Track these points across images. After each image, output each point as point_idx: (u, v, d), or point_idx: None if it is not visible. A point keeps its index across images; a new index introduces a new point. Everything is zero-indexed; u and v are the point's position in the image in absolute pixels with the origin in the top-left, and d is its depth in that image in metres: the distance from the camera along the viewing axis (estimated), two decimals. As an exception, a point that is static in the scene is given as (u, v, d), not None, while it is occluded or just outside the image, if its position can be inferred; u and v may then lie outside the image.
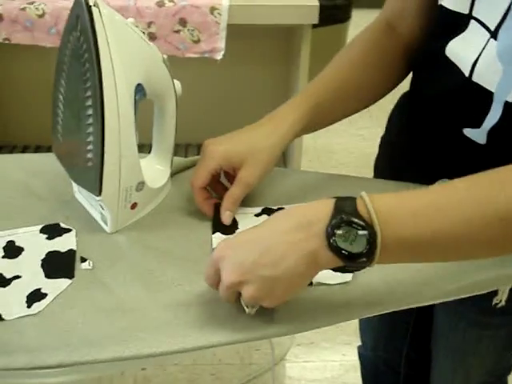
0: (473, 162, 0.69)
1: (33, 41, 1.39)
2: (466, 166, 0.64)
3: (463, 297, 0.74)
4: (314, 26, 2.51)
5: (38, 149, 2.02)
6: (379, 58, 0.89)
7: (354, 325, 1.83)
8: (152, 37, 1.39)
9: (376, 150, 1.04)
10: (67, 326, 0.66)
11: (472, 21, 0.74)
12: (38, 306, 0.69)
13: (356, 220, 0.57)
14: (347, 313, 0.71)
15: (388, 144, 1.01)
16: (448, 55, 0.78)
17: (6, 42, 1.38)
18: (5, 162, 0.97)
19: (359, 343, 1.33)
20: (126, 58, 0.73)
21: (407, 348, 1.19)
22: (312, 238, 0.58)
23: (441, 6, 0.78)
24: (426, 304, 0.74)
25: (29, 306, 0.69)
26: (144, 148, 0.85)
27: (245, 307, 0.65)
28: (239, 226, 0.82)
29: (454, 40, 0.77)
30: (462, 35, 0.76)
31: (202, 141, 0.83)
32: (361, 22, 0.99)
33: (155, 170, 0.87)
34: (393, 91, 0.92)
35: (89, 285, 0.73)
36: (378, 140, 1.03)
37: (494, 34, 0.70)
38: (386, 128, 1.01)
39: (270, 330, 0.68)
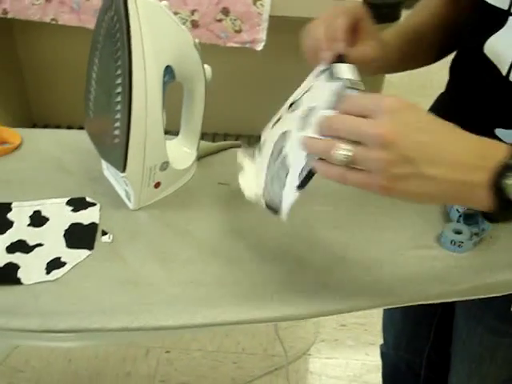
0: None
1: (79, 22, 1.43)
2: None
3: (477, 297, 0.74)
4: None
5: (68, 129, 2.08)
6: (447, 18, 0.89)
7: (379, 325, 1.82)
8: (194, 24, 1.41)
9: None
10: (81, 294, 0.69)
11: (510, 17, 0.73)
12: (56, 274, 0.72)
13: None
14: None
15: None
16: (486, 53, 0.76)
17: (53, 22, 1.42)
18: (40, 136, 1.00)
19: (381, 343, 1.32)
20: (157, 40, 0.75)
21: (429, 350, 1.18)
22: (482, 170, 0.55)
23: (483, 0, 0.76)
24: (436, 301, 0.73)
25: (48, 273, 0.72)
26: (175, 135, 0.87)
27: (341, 153, 0.55)
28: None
29: (492, 37, 0.75)
30: (500, 32, 0.74)
31: (232, 131, 0.84)
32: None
33: (181, 151, 0.89)
34: (430, 92, 0.91)
35: (106, 257, 0.75)
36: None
37: None
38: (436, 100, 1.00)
39: (273, 312, 0.68)
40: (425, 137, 0.55)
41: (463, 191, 0.56)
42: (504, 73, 0.73)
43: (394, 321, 1.22)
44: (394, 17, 2.58)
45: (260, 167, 0.73)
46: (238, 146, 0.99)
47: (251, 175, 0.75)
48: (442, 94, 0.94)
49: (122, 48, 0.73)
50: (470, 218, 0.79)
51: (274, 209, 0.67)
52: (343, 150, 0.55)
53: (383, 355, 1.35)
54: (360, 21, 0.76)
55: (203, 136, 0.91)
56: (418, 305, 0.73)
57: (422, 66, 0.92)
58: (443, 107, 0.91)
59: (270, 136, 0.75)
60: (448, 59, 0.90)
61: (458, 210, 0.79)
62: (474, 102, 0.81)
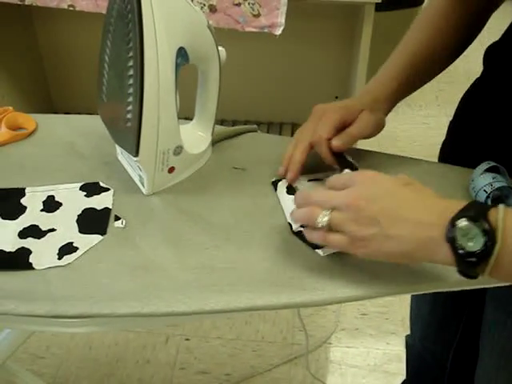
0: None
1: (96, 8, 1.42)
2: None
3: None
4: (388, 8, 2.47)
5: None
6: (456, 19, 0.86)
7: (400, 315, 1.81)
8: (212, 9, 1.39)
9: (441, 140, 1.01)
10: (92, 280, 0.68)
11: None
12: (67, 259, 0.71)
13: (482, 221, 0.56)
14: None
15: (453, 129, 0.99)
16: None
17: (71, 8, 1.41)
18: (55, 122, 0.99)
19: (405, 333, 1.30)
20: (170, 21, 0.73)
21: (457, 342, 1.15)
22: (436, 227, 0.59)
23: None
24: (456, 289, 0.71)
25: (59, 258, 0.71)
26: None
27: (321, 219, 0.65)
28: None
29: None
30: None
31: (252, 118, 0.83)
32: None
33: (196, 136, 0.88)
34: (455, 79, 0.89)
35: (119, 242, 0.74)
36: (444, 130, 0.99)
37: None
38: (455, 113, 0.98)
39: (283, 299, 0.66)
40: (387, 201, 0.62)
41: (427, 248, 0.60)
42: None
43: (422, 313, 1.20)
44: (419, 1, 2.55)
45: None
46: (254, 131, 0.97)
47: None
48: (475, 82, 0.92)
49: (134, 29, 0.71)
50: (496, 200, 0.76)
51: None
52: (322, 216, 0.65)
53: (409, 347, 1.33)
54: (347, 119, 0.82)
55: (222, 123, 0.90)
56: (447, 297, 0.71)
57: (441, 71, 0.91)
58: (476, 96, 0.89)
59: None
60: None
61: (485, 191, 0.76)
62: (494, 103, 0.81)
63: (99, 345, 1.77)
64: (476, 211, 0.58)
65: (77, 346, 1.76)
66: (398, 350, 1.72)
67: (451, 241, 0.57)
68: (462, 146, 0.94)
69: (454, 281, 0.68)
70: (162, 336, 1.79)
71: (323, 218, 0.64)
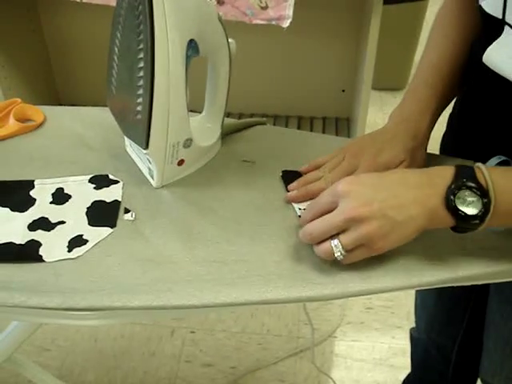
0: None
1: (104, 0, 1.41)
2: None
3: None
4: (396, 1, 2.45)
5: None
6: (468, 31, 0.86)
7: (406, 308, 1.81)
8: (220, 1, 1.39)
9: (441, 134, 1.00)
10: (102, 272, 0.68)
11: (506, 27, 0.70)
12: (77, 251, 0.71)
13: (474, 185, 0.63)
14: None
15: (453, 121, 0.98)
16: (485, 62, 0.75)
17: (78, 0, 1.40)
18: (63, 114, 0.99)
19: (410, 327, 1.30)
20: (180, 13, 0.73)
21: (462, 335, 1.15)
22: (434, 196, 0.64)
23: (480, 7, 0.75)
24: (471, 283, 0.70)
25: (69, 251, 0.71)
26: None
27: (339, 252, 0.65)
28: None
29: (490, 48, 0.74)
30: (496, 42, 0.72)
31: (258, 111, 0.83)
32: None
33: (205, 128, 0.87)
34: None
35: (129, 235, 0.74)
36: (445, 123, 0.99)
37: None
38: (454, 105, 0.97)
39: (299, 294, 0.66)
40: (381, 195, 0.64)
41: (434, 216, 0.64)
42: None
43: (427, 306, 1.19)
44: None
45: None
46: (264, 123, 0.97)
47: None
48: (477, 71, 0.91)
49: (144, 21, 0.71)
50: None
51: None
52: (336, 249, 0.65)
53: (413, 340, 1.33)
54: None
55: (229, 115, 0.89)
56: (452, 289, 0.72)
57: None
58: (478, 84, 0.89)
59: None
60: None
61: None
62: (489, 98, 0.80)
63: (105, 337, 1.77)
64: (467, 177, 0.63)
65: (82, 338, 1.76)
66: (404, 343, 1.72)
67: (453, 209, 0.63)
68: (462, 137, 0.94)
69: (462, 276, 0.68)
70: (168, 329, 1.79)
71: (338, 251, 0.65)
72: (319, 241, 0.67)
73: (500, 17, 0.71)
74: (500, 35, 0.72)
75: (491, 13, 0.72)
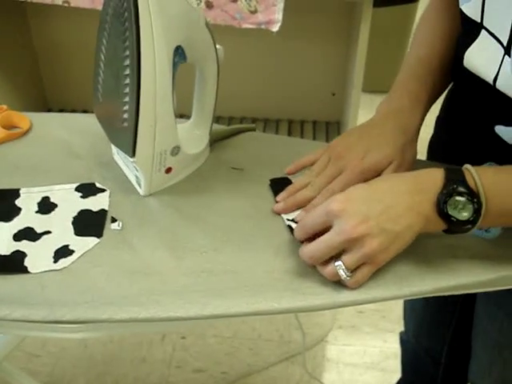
0: (504, 161, 0.69)
1: (92, 4, 1.40)
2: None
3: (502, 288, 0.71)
4: (386, 3, 2.45)
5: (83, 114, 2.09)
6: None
7: (397, 312, 1.81)
8: (209, 6, 1.38)
9: (429, 137, 1.00)
10: (89, 284, 0.67)
11: (483, 31, 0.70)
12: (63, 262, 0.70)
13: (465, 190, 0.63)
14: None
15: (440, 125, 0.98)
16: (465, 65, 0.75)
17: (65, 5, 1.39)
18: (50, 121, 0.98)
19: (401, 331, 1.30)
20: (167, 20, 0.72)
21: (450, 338, 1.15)
22: (426, 202, 0.64)
23: (461, 9, 0.75)
24: (463, 292, 0.70)
25: (55, 262, 0.70)
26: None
27: (343, 274, 0.64)
28: None
29: (469, 50, 0.74)
30: (474, 44, 0.73)
31: (248, 114, 0.82)
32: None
33: (193, 135, 0.86)
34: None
35: (116, 245, 0.73)
36: (432, 126, 0.99)
37: (507, 51, 0.66)
38: (441, 108, 0.97)
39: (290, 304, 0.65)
40: (374, 208, 0.63)
41: (429, 222, 0.64)
42: (491, 83, 0.71)
43: (416, 309, 1.20)
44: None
45: None
46: (253, 130, 0.96)
47: None
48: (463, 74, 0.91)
49: (130, 28, 0.69)
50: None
51: None
52: (340, 270, 0.64)
53: (403, 343, 1.33)
54: None
55: (218, 119, 0.89)
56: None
57: None
58: (465, 87, 0.88)
59: None
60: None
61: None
62: (473, 100, 0.80)
63: (94, 343, 1.75)
64: (457, 181, 0.64)
65: (72, 344, 1.75)
66: (395, 347, 1.71)
67: (445, 216, 0.63)
68: (449, 141, 0.93)
69: (454, 285, 0.68)
70: (158, 334, 1.78)
71: (342, 271, 0.64)
72: (320, 262, 0.66)
73: (478, 20, 0.71)
74: (475, 40, 0.72)
75: (471, 16, 0.72)
